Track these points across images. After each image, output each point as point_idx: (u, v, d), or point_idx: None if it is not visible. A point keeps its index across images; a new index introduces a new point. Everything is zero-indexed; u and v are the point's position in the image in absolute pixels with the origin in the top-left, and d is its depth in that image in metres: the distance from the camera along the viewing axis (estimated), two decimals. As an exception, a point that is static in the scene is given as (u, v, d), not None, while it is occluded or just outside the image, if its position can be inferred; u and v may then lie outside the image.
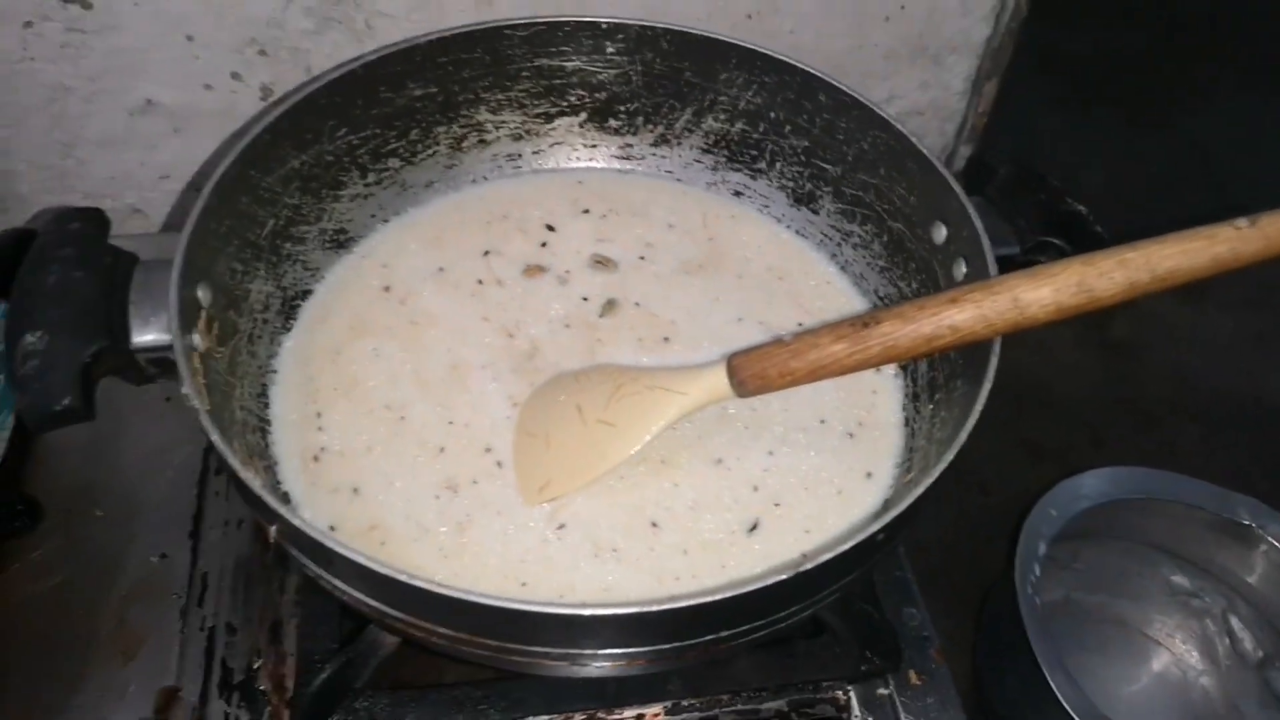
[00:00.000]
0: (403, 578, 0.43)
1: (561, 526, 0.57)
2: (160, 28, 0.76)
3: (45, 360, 0.51)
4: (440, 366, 0.64)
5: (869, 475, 0.61)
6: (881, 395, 0.65)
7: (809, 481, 0.60)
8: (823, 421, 0.63)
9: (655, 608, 0.43)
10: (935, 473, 0.49)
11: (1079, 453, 0.98)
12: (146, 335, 0.54)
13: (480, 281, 0.69)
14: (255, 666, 0.60)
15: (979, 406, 0.51)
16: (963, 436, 0.50)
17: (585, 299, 0.69)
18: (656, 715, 0.60)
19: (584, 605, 0.43)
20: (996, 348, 0.53)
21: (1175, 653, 0.90)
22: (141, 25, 0.75)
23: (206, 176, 0.85)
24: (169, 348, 0.53)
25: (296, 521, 0.45)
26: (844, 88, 0.67)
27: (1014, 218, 0.62)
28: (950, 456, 0.49)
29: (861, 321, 0.52)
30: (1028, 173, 0.65)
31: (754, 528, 0.58)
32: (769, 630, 0.50)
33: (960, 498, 0.89)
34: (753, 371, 0.55)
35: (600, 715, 0.60)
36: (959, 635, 0.76)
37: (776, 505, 0.59)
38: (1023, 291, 0.49)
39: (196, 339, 0.54)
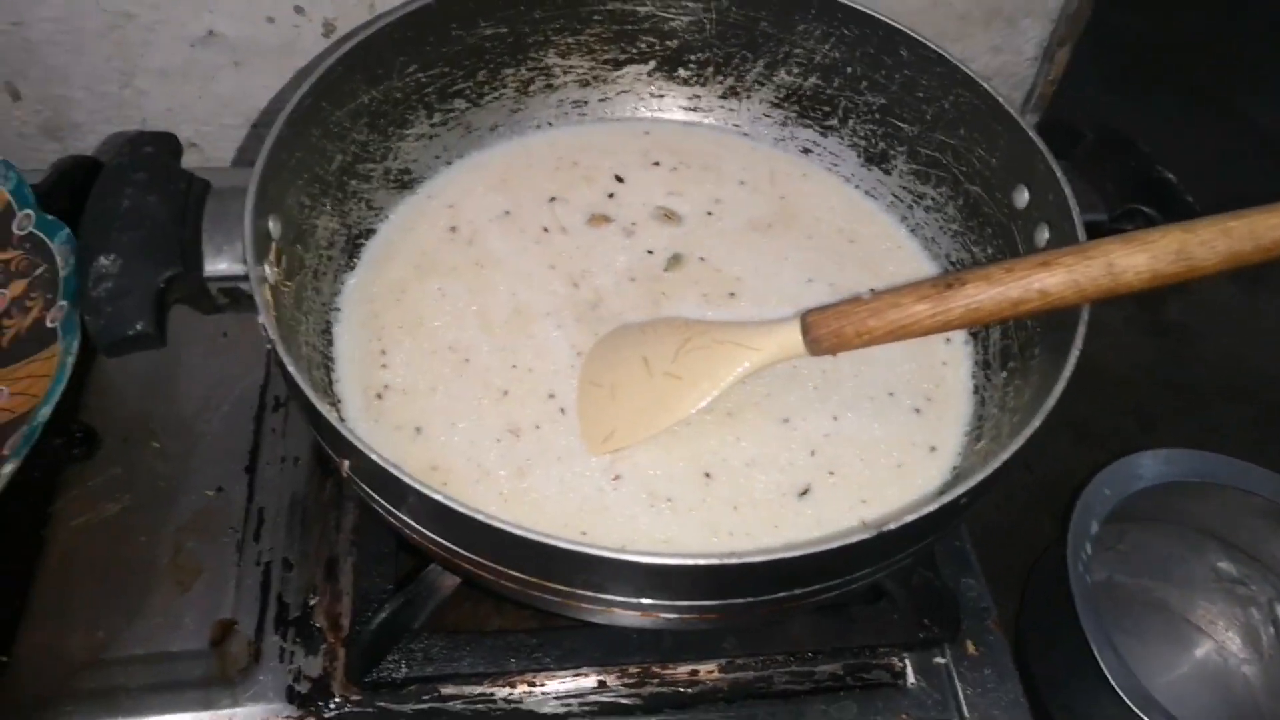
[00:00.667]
0: (486, 519, 0.42)
1: (618, 478, 0.57)
2: (226, -45, 0.74)
3: (119, 284, 0.50)
4: (504, 310, 0.63)
5: (933, 449, 0.60)
6: (951, 367, 0.64)
7: (867, 453, 0.59)
8: (891, 394, 0.62)
9: (737, 560, 0.43)
10: (1020, 439, 0.48)
11: (1126, 435, 0.97)
12: (219, 264, 0.53)
13: (545, 229, 0.68)
14: (311, 603, 0.60)
15: (1067, 371, 0.50)
16: (1049, 403, 0.49)
17: (650, 252, 0.68)
18: (711, 672, 0.60)
19: (671, 555, 0.42)
20: (1085, 315, 0.52)
21: (1218, 640, 0.89)
22: (208, -48, 0.74)
23: (265, 112, 0.86)
24: (241, 278, 0.53)
25: (374, 456, 0.44)
26: (930, 44, 0.65)
27: (1101, 183, 0.61)
28: (1037, 423, 0.48)
29: (945, 282, 0.51)
30: (1116, 138, 0.63)
31: (805, 492, 0.57)
32: (841, 590, 0.49)
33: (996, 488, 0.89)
34: (829, 329, 0.54)
35: (655, 668, 0.60)
36: (1000, 610, 0.75)
37: (830, 474, 0.58)
38: (1118, 257, 0.47)
39: (268, 270, 0.54)
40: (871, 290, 0.67)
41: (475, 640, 0.59)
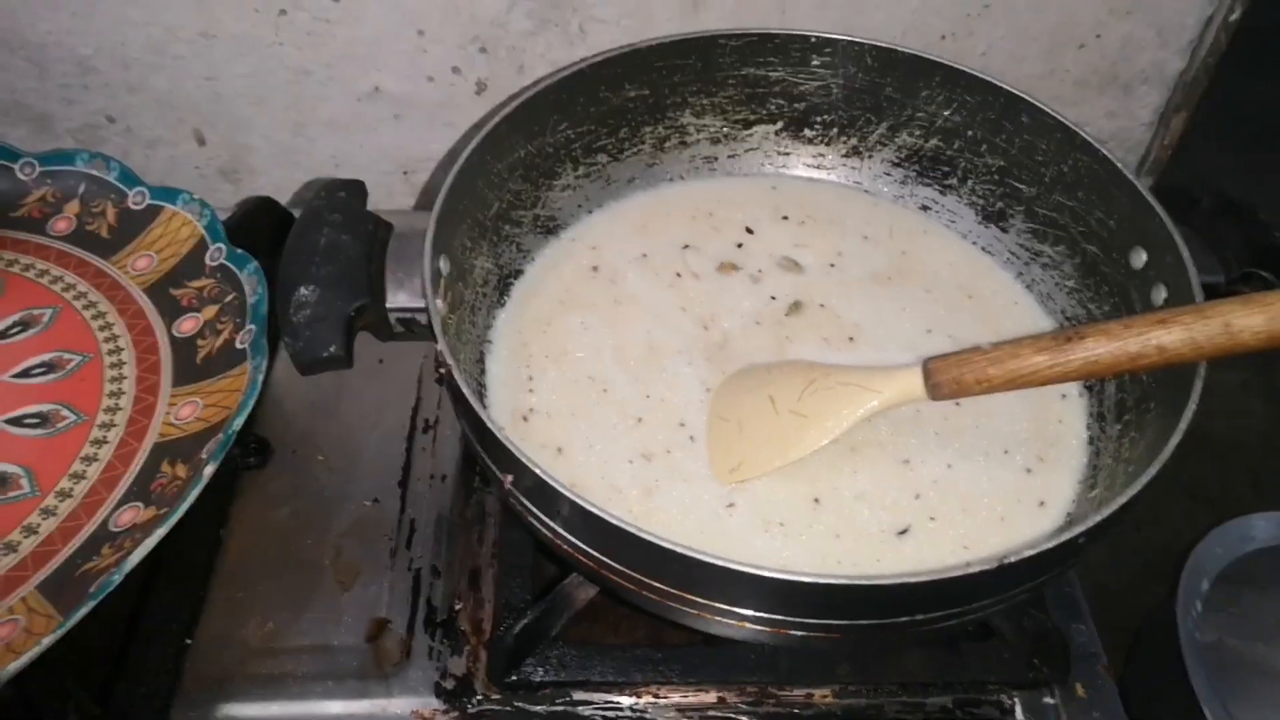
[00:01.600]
0: (638, 532, 0.47)
1: (732, 505, 0.61)
2: (396, 22, 0.82)
3: (316, 311, 0.57)
4: (640, 345, 0.69)
5: (1041, 504, 0.62)
6: (1067, 424, 0.66)
7: (971, 504, 0.61)
8: (1006, 452, 0.64)
9: (867, 581, 0.47)
10: (1137, 485, 0.51)
11: (1238, 498, 0.96)
12: (400, 297, 0.60)
13: (678, 274, 0.73)
14: (456, 608, 0.65)
15: (1184, 424, 0.52)
16: (1166, 453, 0.52)
17: (774, 298, 0.72)
18: (825, 696, 0.63)
19: (808, 574, 0.46)
20: (1202, 370, 0.54)
21: (1331, 711, 0.87)
22: (380, 19, 0.82)
23: (417, 160, 0.94)
24: (418, 310, 0.59)
25: (538, 470, 0.49)
26: (1050, 110, 0.69)
27: (1219, 247, 0.63)
28: (1154, 470, 0.51)
29: (1065, 336, 0.54)
30: (1234, 203, 0.65)
31: (903, 532, 0.60)
32: (958, 620, 0.52)
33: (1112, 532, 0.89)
34: (950, 375, 0.57)
35: (771, 689, 0.63)
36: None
37: (931, 519, 0.61)
38: (1235, 317, 0.50)
39: (439, 303, 0.60)
40: (991, 342, 0.70)
41: (605, 651, 0.63)
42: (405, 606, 0.66)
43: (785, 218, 0.77)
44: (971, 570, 0.47)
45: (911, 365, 0.59)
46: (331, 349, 0.56)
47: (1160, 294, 0.63)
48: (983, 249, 0.77)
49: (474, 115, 0.90)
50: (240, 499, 0.70)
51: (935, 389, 0.58)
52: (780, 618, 0.50)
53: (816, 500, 0.61)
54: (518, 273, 0.73)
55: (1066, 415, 0.67)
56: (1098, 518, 0.49)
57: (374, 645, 0.64)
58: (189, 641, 0.63)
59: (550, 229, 0.76)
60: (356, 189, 0.63)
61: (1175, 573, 0.84)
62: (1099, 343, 0.53)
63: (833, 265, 0.74)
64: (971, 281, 0.74)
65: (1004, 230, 0.76)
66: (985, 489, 0.62)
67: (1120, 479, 0.60)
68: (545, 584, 0.66)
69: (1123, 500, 0.49)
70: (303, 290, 0.58)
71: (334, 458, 0.73)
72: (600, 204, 0.79)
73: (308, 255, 0.59)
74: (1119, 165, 0.66)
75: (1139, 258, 0.65)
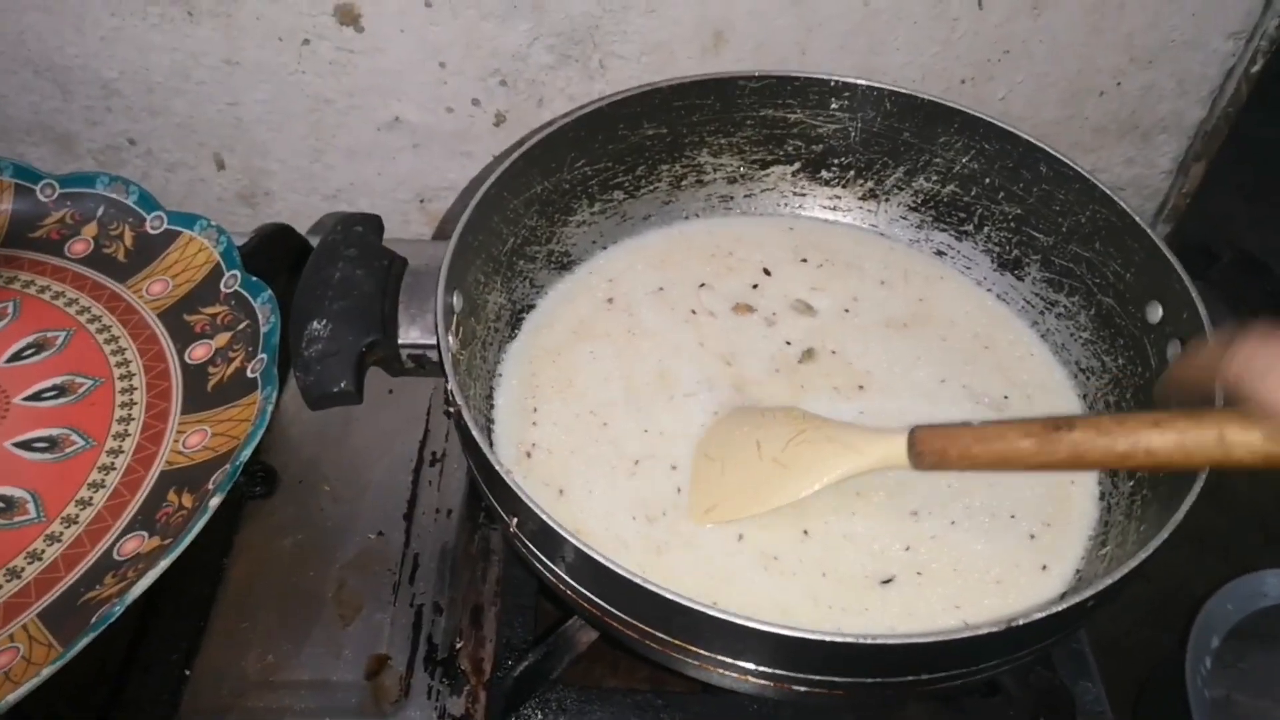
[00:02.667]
0: (641, 582, 0.46)
1: (741, 537, 0.61)
2: (418, 54, 0.83)
3: (327, 346, 0.57)
4: (649, 376, 0.69)
5: (1044, 568, 0.61)
6: (1079, 484, 0.65)
7: (963, 565, 0.60)
8: (1013, 517, 0.63)
9: (871, 640, 0.46)
10: (1148, 549, 0.50)
11: (1250, 550, 0.95)
12: (412, 333, 0.60)
13: (693, 311, 0.73)
14: (457, 647, 0.65)
15: (1198, 486, 0.52)
16: (1178, 516, 0.51)
17: (788, 343, 0.72)
18: (827, 749, 0.62)
19: (810, 631, 0.45)
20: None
21: (1341, 771, 0.86)
22: (403, 50, 0.83)
23: (433, 189, 0.94)
24: (429, 346, 0.59)
25: (544, 515, 0.49)
26: (1068, 161, 0.69)
27: (1236, 304, 0.62)
28: (1164, 535, 0.50)
29: (1054, 424, 0.51)
30: (1253, 260, 0.65)
31: (887, 581, 0.59)
32: (964, 680, 0.51)
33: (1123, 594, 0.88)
34: (933, 447, 0.55)
35: (773, 741, 0.62)
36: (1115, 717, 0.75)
37: (918, 574, 0.60)
38: (1232, 432, 0.45)
39: (451, 340, 0.60)
40: (1006, 396, 0.69)
41: (605, 696, 0.63)
42: (406, 643, 0.65)
43: (804, 260, 0.77)
44: (980, 632, 0.46)
45: (898, 432, 0.58)
46: (342, 384, 0.56)
47: (1175, 349, 0.62)
48: (998, 296, 0.76)
49: (492, 146, 0.90)
50: (245, 528, 0.70)
51: (918, 458, 0.56)
52: (784, 673, 0.49)
53: (805, 532, 0.61)
54: (530, 307, 0.73)
55: (1080, 474, 0.66)
56: (1108, 580, 0.48)
57: (373, 682, 0.63)
58: (188, 673, 0.63)
59: (565, 264, 0.76)
60: (373, 224, 0.63)
61: (1185, 626, 0.83)
62: (1088, 436, 0.49)
63: (847, 310, 0.74)
64: (987, 330, 0.73)
65: (1019, 278, 0.76)
66: (980, 550, 0.61)
67: (1132, 537, 0.59)
68: (548, 623, 0.66)
69: (1133, 564, 0.49)
70: (315, 324, 0.58)
71: (340, 488, 0.73)
72: (615, 240, 0.79)
73: (322, 289, 0.59)
74: (1137, 219, 0.65)
75: (1155, 312, 0.64)
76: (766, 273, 0.76)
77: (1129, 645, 0.87)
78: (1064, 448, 0.50)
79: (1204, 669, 0.81)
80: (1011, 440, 0.52)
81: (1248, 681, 0.87)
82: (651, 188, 0.79)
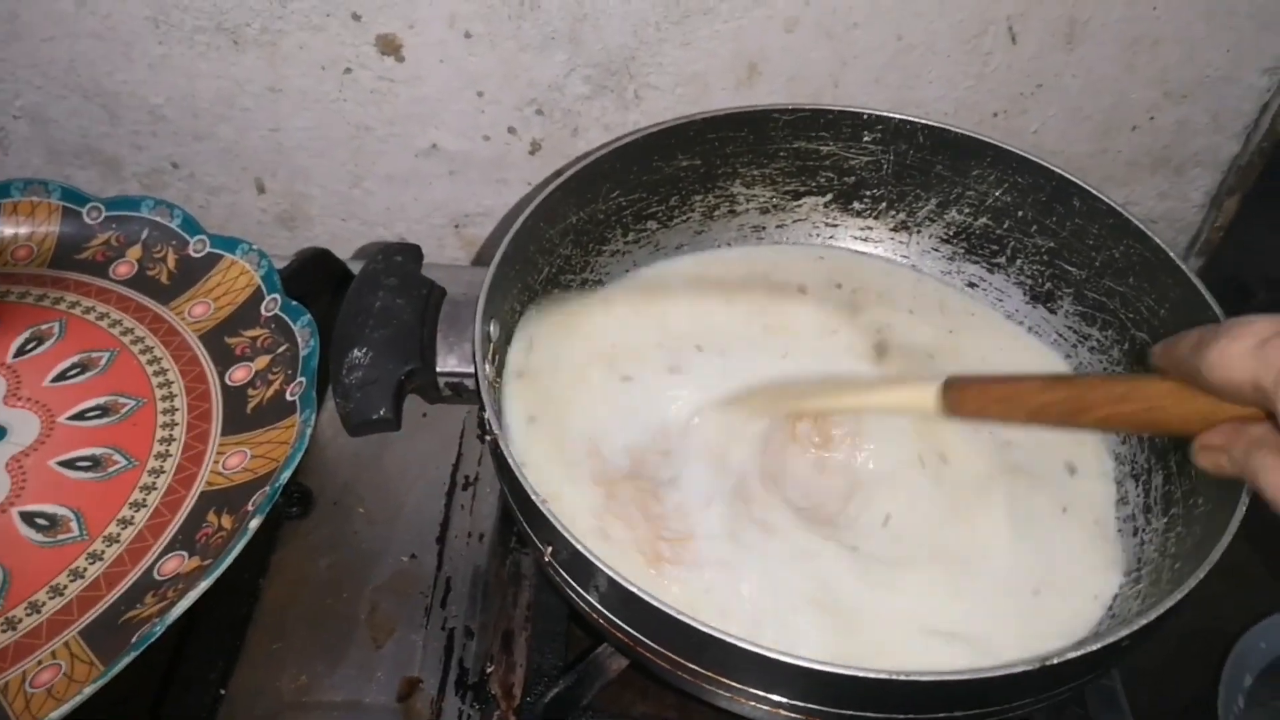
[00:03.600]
0: (673, 612, 0.47)
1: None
2: (457, 83, 0.85)
3: (367, 374, 0.58)
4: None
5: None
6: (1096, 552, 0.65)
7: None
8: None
9: (904, 678, 0.46)
10: (1183, 590, 0.50)
11: (1285, 587, 0.94)
12: (450, 361, 0.60)
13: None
14: (488, 671, 0.65)
15: (1234, 525, 0.52)
16: (1215, 556, 0.51)
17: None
18: (856, 783, 0.62)
19: (840, 665, 0.46)
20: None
21: (1378, 814, 0.84)
22: (442, 79, 0.84)
23: (471, 215, 0.96)
24: (467, 375, 0.60)
25: (579, 545, 0.50)
26: (1102, 196, 0.69)
27: (1272, 343, 0.62)
28: (1202, 573, 0.50)
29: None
30: (1288, 298, 0.65)
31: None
32: (996, 718, 0.51)
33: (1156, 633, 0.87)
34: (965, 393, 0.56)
35: (798, 773, 0.62)
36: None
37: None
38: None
39: (487, 368, 0.61)
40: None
41: (634, 724, 0.63)
42: (438, 666, 0.66)
43: (838, 286, 0.77)
44: (1014, 670, 0.46)
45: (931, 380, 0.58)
46: (381, 411, 0.57)
47: (1210, 387, 0.62)
48: (1029, 329, 0.77)
49: (527, 174, 0.92)
50: (281, 548, 0.71)
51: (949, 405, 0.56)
52: (814, 706, 0.49)
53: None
54: (563, 334, 0.74)
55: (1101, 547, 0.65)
56: (1143, 621, 0.48)
57: (405, 705, 0.64)
58: (224, 692, 0.64)
59: (597, 292, 0.77)
60: (413, 253, 0.65)
61: (1218, 663, 0.82)
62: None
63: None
64: (1019, 363, 0.73)
65: (1052, 311, 0.76)
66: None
67: (1166, 575, 0.59)
68: (578, 649, 0.66)
69: (1169, 604, 0.49)
70: (356, 352, 0.59)
71: (374, 510, 0.74)
72: (649, 266, 0.80)
73: (363, 317, 0.60)
74: (1171, 254, 0.65)
75: (1190, 349, 0.64)
76: (802, 291, 0.76)
77: (1161, 681, 0.86)
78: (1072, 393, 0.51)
79: (1237, 708, 0.80)
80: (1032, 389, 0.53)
81: (1282, 722, 0.86)
82: (685, 218, 0.80)
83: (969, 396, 0.56)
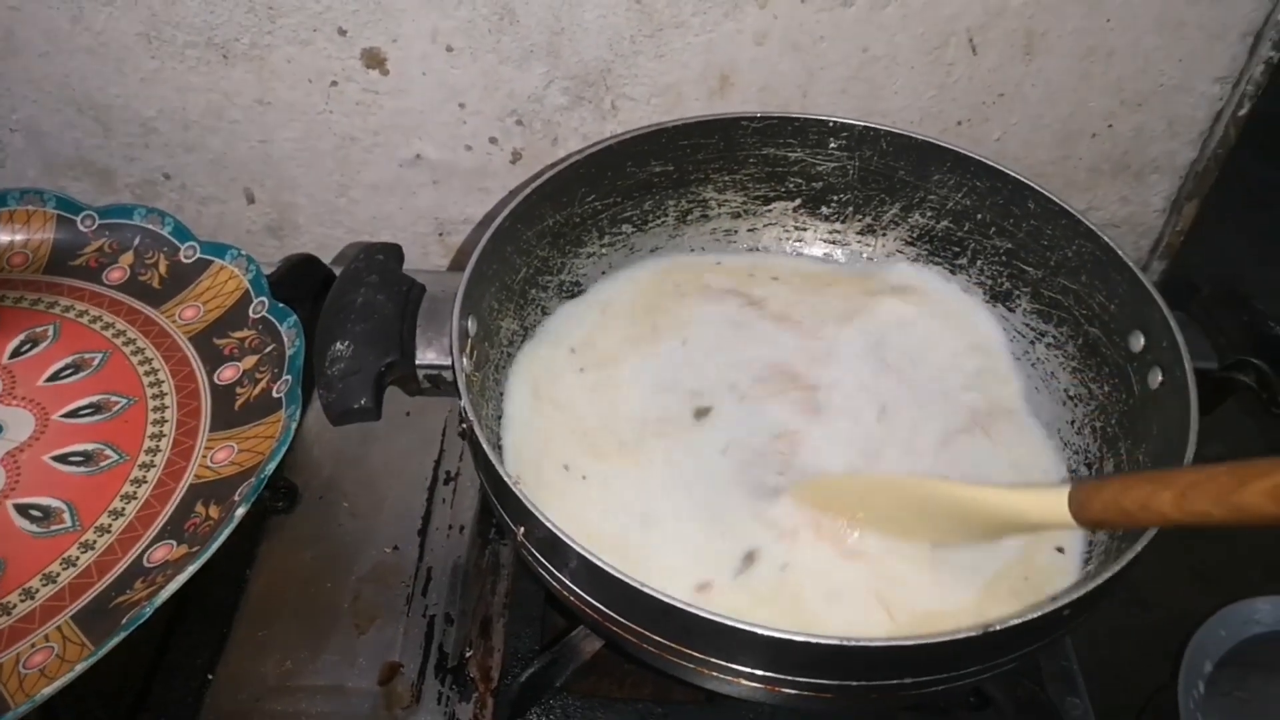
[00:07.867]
0: (640, 586, 0.49)
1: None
2: (440, 95, 0.88)
3: (349, 365, 0.61)
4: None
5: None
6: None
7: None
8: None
9: (852, 643, 0.48)
10: (1124, 560, 0.52)
11: (1248, 581, 0.96)
12: (429, 355, 0.63)
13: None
14: (467, 655, 0.68)
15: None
16: (1150, 533, 0.53)
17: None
18: (821, 760, 0.65)
19: (795, 632, 0.48)
20: (1189, 454, 0.56)
21: (1339, 799, 0.86)
22: (425, 91, 0.87)
23: (450, 222, 0.98)
24: (444, 367, 0.63)
25: (549, 523, 0.52)
26: (1055, 198, 0.72)
27: (1215, 335, 0.65)
28: (1139, 547, 0.53)
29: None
30: (1231, 293, 0.68)
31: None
32: (949, 685, 0.53)
33: (1119, 612, 0.90)
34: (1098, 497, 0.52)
35: (769, 751, 0.65)
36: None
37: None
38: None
39: (465, 362, 0.63)
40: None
41: (608, 705, 0.65)
42: (418, 652, 0.68)
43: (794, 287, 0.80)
44: (958, 636, 0.49)
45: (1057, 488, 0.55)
46: (362, 401, 0.60)
47: (1157, 377, 0.65)
48: (990, 327, 0.79)
49: (509, 182, 0.95)
50: (267, 541, 0.74)
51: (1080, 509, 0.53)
52: (773, 675, 0.52)
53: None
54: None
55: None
56: (1082, 590, 0.51)
57: (386, 689, 0.66)
58: (210, 677, 0.66)
59: (574, 293, 0.80)
60: (394, 252, 0.67)
61: (1179, 655, 0.85)
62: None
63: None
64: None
65: (1011, 310, 0.79)
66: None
67: (1114, 555, 0.61)
68: (555, 636, 0.69)
69: (1107, 575, 0.51)
70: (338, 345, 0.61)
71: (358, 505, 0.76)
72: (624, 269, 0.82)
73: (345, 312, 0.63)
74: (1120, 252, 0.68)
75: (1138, 341, 0.67)
76: (761, 299, 0.79)
77: (1126, 676, 0.88)
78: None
79: (1197, 694, 0.82)
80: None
81: (1244, 710, 0.88)
82: (659, 221, 0.83)
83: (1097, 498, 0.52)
